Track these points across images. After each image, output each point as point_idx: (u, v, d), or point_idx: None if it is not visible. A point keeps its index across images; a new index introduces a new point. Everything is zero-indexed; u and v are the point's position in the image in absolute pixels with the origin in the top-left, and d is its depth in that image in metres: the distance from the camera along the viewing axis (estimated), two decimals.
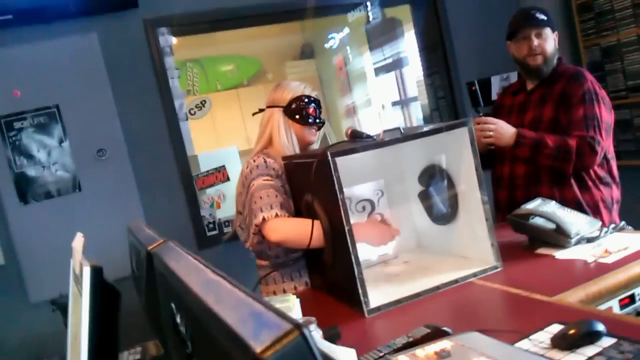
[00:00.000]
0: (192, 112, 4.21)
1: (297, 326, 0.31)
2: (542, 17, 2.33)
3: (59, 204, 3.12)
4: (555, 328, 1.24)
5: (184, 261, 0.57)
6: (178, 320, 0.51)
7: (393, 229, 2.01)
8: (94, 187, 3.17)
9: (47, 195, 3.11)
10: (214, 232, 3.48)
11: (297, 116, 2.14)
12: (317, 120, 2.18)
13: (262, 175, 2.03)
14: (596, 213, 2.25)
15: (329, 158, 1.64)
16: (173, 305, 0.54)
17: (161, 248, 0.73)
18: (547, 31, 2.34)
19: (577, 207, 2.14)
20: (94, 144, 3.18)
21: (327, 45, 5.86)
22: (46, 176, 3.11)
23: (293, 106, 2.14)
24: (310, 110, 2.15)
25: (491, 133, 2.26)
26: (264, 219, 1.92)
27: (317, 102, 2.19)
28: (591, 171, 2.29)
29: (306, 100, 2.15)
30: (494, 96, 3.83)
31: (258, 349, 0.30)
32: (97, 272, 0.99)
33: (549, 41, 2.34)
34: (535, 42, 2.33)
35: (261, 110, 2.25)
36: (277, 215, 1.92)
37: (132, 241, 1.05)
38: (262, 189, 1.99)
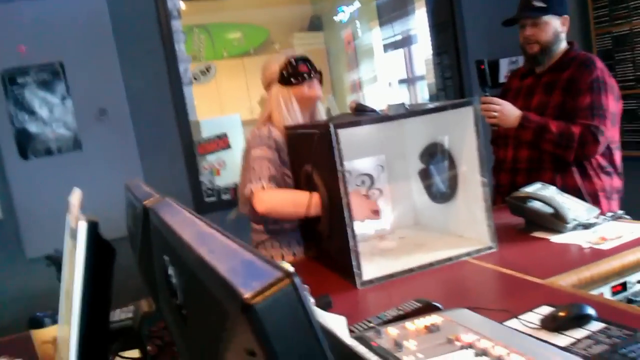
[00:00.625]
0: (197, 77, 4.18)
1: (288, 274, 0.31)
2: (540, 4, 2.30)
3: (59, 161, 3.12)
4: (545, 310, 1.25)
5: (179, 215, 0.57)
6: (170, 272, 0.52)
7: (374, 206, 2.00)
8: (95, 146, 3.16)
9: (47, 152, 3.11)
10: (212, 199, 3.49)
11: (293, 79, 2.13)
12: (312, 74, 2.15)
13: (262, 145, 2.04)
14: (595, 201, 2.25)
15: (332, 130, 1.64)
16: (166, 257, 0.54)
17: (157, 203, 0.73)
18: (546, 18, 2.31)
19: (577, 194, 2.14)
20: (97, 103, 3.16)
21: (336, 18, 5.79)
22: (47, 133, 3.11)
23: (285, 73, 2.13)
24: (302, 67, 2.13)
25: (496, 114, 2.25)
26: (251, 191, 1.96)
27: (304, 58, 2.17)
28: (593, 160, 2.29)
29: (293, 61, 2.13)
30: (502, 79, 3.80)
31: (247, 295, 0.30)
32: (93, 227, 0.99)
33: (547, 29, 2.32)
34: (529, 31, 2.33)
35: (263, 99, 2.25)
36: (263, 187, 1.95)
37: (129, 197, 1.05)
38: (257, 161, 2.02)
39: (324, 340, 0.30)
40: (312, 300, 1.34)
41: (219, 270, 0.35)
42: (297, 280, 0.31)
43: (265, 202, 1.95)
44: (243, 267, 0.34)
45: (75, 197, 1.24)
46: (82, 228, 0.97)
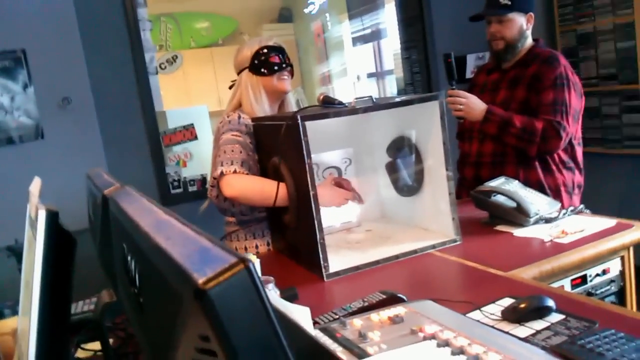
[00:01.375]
0: (163, 66, 4.12)
1: (242, 260, 0.30)
2: (506, 1, 2.33)
3: (20, 150, 3.04)
4: (507, 301, 1.27)
5: (137, 203, 0.56)
6: (128, 261, 0.51)
7: (347, 192, 1.98)
8: (57, 136, 3.09)
9: (8, 141, 3.03)
10: (178, 190, 3.45)
11: (263, 69, 2.08)
12: (284, 66, 2.11)
13: (233, 130, 2.01)
14: (557, 196, 2.29)
15: (299, 122, 1.63)
16: (125, 246, 0.53)
17: (117, 192, 0.72)
18: (511, 15, 2.35)
19: (540, 189, 2.18)
20: (60, 92, 3.09)
21: (306, 10, 5.77)
22: (8, 121, 3.02)
23: (256, 61, 2.09)
24: (273, 58, 2.09)
25: (462, 107, 2.28)
26: (222, 172, 1.91)
27: (278, 49, 2.12)
28: (555, 155, 2.33)
29: (266, 50, 2.09)
30: (469, 74, 3.85)
31: (200, 280, 0.30)
32: (52, 216, 0.96)
33: (512, 26, 2.36)
34: (494, 28, 2.38)
35: (234, 83, 2.19)
36: (235, 171, 1.92)
37: (89, 187, 1.03)
38: (228, 144, 1.97)
39: (280, 325, 0.30)
40: (277, 292, 1.33)
41: (173, 257, 0.35)
42: (251, 265, 0.31)
43: (234, 187, 1.90)
44: (198, 254, 0.34)
45: (35, 186, 1.21)
46: (42, 217, 0.95)
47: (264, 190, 1.88)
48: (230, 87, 2.20)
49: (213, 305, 0.29)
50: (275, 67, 2.09)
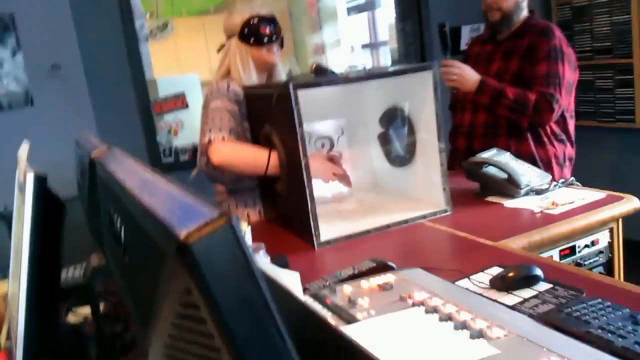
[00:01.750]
0: (154, 33, 4.06)
1: (224, 214, 0.30)
2: None
3: (9, 117, 3.01)
4: (496, 270, 1.27)
5: (124, 164, 0.55)
6: (115, 221, 0.50)
7: (337, 168, 1.98)
8: (47, 103, 3.06)
9: None
10: (169, 159, 3.44)
11: (252, 39, 2.04)
12: (274, 38, 2.07)
13: (222, 97, 1.99)
14: (548, 168, 2.30)
15: (291, 90, 1.62)
16: (111, 207, 0.52)
17: (105, 155, 0.71)
18: None
19: (531, 160, 2.19)
20: (49, 58, 3.05)
21: None
22: None
23: (246, 30, 2.04)
24: (263, 29, 2.04)
25: (455, 77, 2.27)
26: (210, 140, 1.89)
27: (270, 19, 2.07)
28: (547, 127, 2.33)
29: (257, 20, 2.04)
30: (463, 46, 3.82)
31: (182, 234, 0.29)
32: (41, 180, 0.96)
33: None
34: None
35: (222, 46, 2.15)
36: (223, 138, 1.90)
37: (77, 152, 1.02)
38: (217, 111, 1.95)
39: (263, 280, 0.30)
40: (267, 259, 1.34)
41: (156, 213, 0.34)
42: (234, 220, 0.31)
43: (223, 154, 1.88)
44: (181, 210, 0.34)
45: (24, 150, 1.20)
46: (30, 181, 0.94)
47: (256, 158, 1.86)
48: (218, 51, 2.16)
49: (195, 258, 0.29)
50: (265, 39, 2.05)
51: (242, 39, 2.06)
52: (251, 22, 2.04)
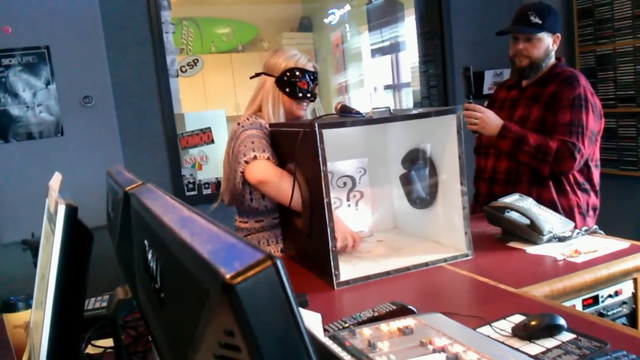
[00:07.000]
0: (184, 69, 4.17)
1: (270, 256, 0.31)
2: (537, 20, 2.31)
3: (40, 146, 3.08)
4: (518, 318, 1.26)
5: (161, 200, 0.57)
6: (149, 256, 0.51)
7: (353, 233, 1.96)
8: (77, 133, 3.13)
9: (28, 136, 3.07)
10: (192, 193, 3.48)
11: (288, 89, 2.08)
12: (308, 95, 2.10)
13: (256, 128, 2.01)
14: (570, 217, 2.26)
15: (316, 129, 1.64)
16: (146, 241, 0.54)
17: (139, 189, 0.73)
18: (540, 35, 2.33)
19: (553, 209, 2.16)
20: (81, 90, 3.13)
21: (326, 20, 5.80)
22: (29, 117, 3.07)
23: (285, 78, 2.08)
24: (302, 84, 2.08)
25: (477, 120, 2.27)
26: (255, 157, 1.90)
27: (312, 74, 2.11)
28: (570, 176, 2.32)
29: (298, 73, 2.08)
30: (486, 90, 3.85)
31: (228, 275, 0.30)
32: (72, 211, 0.98)
33: (540, 45, 2.34)
34: (522, 45, 2.36)
35: (257, 75, 2.18)
36: (268, 158, 1.91)
37: (110, 183, 1.04)
38: (256, 137, 1.97)
39: (304, 324, 0.31)
40: None
41: (200, 252, 0.35)
42: (279, 262, 0.32)
43: (265, 170, 1.88)
44: (224, 249, 0.35)
45: (56, 181, 1.23)
46: (61, 212, 0.96)
47: (286, 185, 1.86)
48: (252, 77, 2.18)
49: (240, 300, 0.30)
50: (300, 95, 2.09)
51: (278, 84, 2.10)
52: (292, 73, 2.07)
